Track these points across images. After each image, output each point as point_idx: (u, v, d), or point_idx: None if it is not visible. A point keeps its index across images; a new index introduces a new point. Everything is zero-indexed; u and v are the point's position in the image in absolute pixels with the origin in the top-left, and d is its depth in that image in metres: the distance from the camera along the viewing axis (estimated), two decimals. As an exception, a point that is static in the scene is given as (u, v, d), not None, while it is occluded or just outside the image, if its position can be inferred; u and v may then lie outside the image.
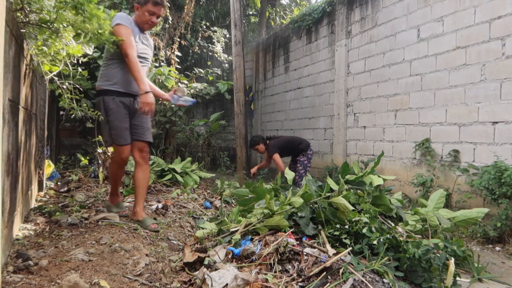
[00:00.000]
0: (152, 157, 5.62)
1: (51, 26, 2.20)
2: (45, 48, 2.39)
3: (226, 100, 9.05)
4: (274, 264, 2.11)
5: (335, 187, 2.94)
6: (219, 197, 4.55)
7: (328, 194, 2.71)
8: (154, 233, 2.81)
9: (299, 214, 2.59)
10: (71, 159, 6.20)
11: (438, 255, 2.17)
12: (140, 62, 2.81)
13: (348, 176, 3.19)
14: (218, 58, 8.97)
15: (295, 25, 8.02)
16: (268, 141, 5.53)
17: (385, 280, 1.97)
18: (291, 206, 2.68)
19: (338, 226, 2.47)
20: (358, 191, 3.00)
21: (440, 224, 2.80)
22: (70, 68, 2.76)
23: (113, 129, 2.82)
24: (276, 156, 5.29)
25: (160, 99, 3.34)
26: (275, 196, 3.12)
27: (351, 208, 2.53)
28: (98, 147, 4.96)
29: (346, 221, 2.51)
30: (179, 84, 6.69)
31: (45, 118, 3.99)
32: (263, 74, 9.66)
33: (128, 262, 2.16)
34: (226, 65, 9.39)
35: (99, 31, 2.36)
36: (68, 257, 2.10)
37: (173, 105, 6.52)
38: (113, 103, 2.81)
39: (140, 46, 2.91)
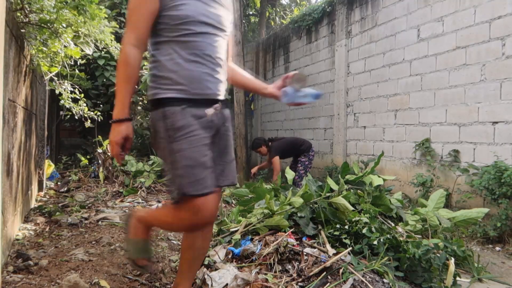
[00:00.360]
0: (152, 157, 5.62)
1: (51, 26, 2.20)
2: (44, 49, 2.39)
3: (226, 100, 9.05)
4: (274, 264, 2.11)
5: (335, 187, 2.94)
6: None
7: (328, 194, 2.71)
8: (154, 233, 2.81)
9: (299, 214, 2.59)
10: (71, 159, 6.21)
11: (438, 255, 2.18)
12: (206, 35, 1.56)
13: (348, 176, 3.19)
14: (218, 58, 8.99)
15: (295, 25, 8.02)
16: (270, 143, 5.52)
17: (385, 280, 1.97)
18: (291, 206, 2.69)
19: (338, 226, 2.47)
20: (358, 191, 3.00)
21: (440, 224, 2.80)
22: (68, 69, 2.76)
23: (183, 167, 1.47)
24: (276, 160, 5.28)
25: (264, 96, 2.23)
26: (275, 196, 3.12)
27: (351, 208, 2.53)
28: (98, 147, 4.96)
29: (346, 221, 2.51)
30: None
31: (45, 118, 3.99)
32: (263, 74, 9.66)
33: (128, 262, 2.16)
34: (226, 65, 9.40)
35: (99, 35, 2.37)
36: (68, 257, 2.10)
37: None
38: (183, 118, 1.49)
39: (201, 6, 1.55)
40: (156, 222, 1.73)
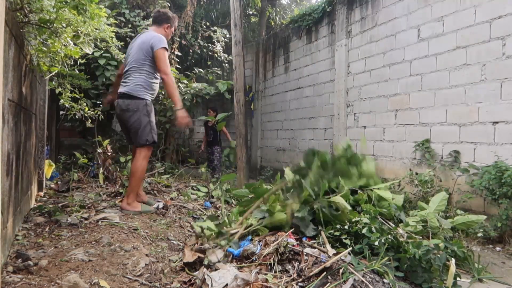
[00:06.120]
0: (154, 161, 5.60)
1: (50, 26, 2.20)
2: (44, 48, 2.39)
3: (226, 100, 9.05)
4: (274, 264, 2.11)
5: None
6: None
7: (328, 197, 2.71)
8: (154, 233, 2.80)
9: (298, 215, 2.58)
10: (71, 159, 6.20)
11: (439, 255, 2.17)
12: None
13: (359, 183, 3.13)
14: (218, 58, 8.97)
15: (295, 25, 8.02)
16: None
17: (385, 280, 1.97)
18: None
19: (338, 226, 2.47)
20: (359, 191, 2.99)
21: (440, 225, 2.80)
22: (67, 69, 2.76)
23: (153, 129, 3.25)
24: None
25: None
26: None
27: (349, 208, 2.52)
28: (98, 147, 4.96)
29: (346, 221, 2.51)
30: (179, 84, 6.67)
31: (45, 118, 3.99)
32: (263, 74, 9.66)
33: (128, 262, 2.16)
34: (226, 65, 9.39)
35: (100, 34, 2.37)
36: (68, 257, 2.10)
37: (172, 105, 6.52)
38: (151, 107, 3.29)
39: None
40: (136, 177, 3.22)
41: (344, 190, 2.83)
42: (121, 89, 3.21)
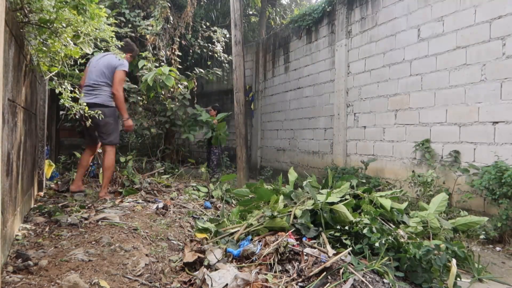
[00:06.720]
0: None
1: (50, 26, 2.20)
2: (44, 48, 2.39)
3: (226, 100, 9.04)
4: (274, 264, 2.11)
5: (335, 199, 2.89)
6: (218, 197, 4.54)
7: (330, 201, 2.70)
8: (154, 233, 2.80)
9: (300, 221, 2.58)
10: (70, 159, 6.19)
11: (439, 256, 2.17)
12: None
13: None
14: (218, 58, 8.96)
15: (295, 25, 8.01)
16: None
17: (385, 280, 1.97)
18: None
19: (338, 227, 2.47)
20: (359, 193, 2.99)
21: (441, 226, 2.80)
22: (67, 69, 2.75)
23: (116, 131, 3.90)
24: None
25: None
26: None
27: (351, 218, 2.51)
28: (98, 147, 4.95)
29: (347, 222, 2.50)
30: (179, 85, 6.67)
31: (45, 118, 3.99)
32: (263, 74, 9.66)
33: (128, 262, 2.15)
34: (226, 65, 9.38)
35: (100, 33, 2.36)
36: (68, 257, 2.10)
37: (172, 105, 6.52)
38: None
39: None
40: (111, 170, 3.90)
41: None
42: (94, 100, 3.72)
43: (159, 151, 6.79)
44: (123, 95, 3.91)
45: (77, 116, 3.49)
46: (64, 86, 2.78)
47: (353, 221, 2.47)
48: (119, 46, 3.59)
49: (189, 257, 2.38)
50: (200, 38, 8.84)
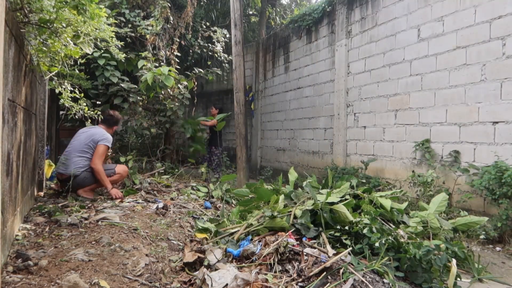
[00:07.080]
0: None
1: (50, 26, 2.20)
2: (44, 48, 2.39)
3: (226, 100, 9.03)
4: (274, 264, 2.11)
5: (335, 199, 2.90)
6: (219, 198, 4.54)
7: (330, 201, 2.70)
8: (154, 233, 2.80)
9: (300, 221, 2.58)
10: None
11: (439, 256, 2.17)
12: None
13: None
14: (218, 58, 8.96)
15: (295, 25, 8.02)
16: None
17: (385, 280, 1.97)
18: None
19: (338, 227, 2.47)
20: (359, 193, 2.99)
21: (441, 226, 2.80)
22: (67, 69, 2.75)
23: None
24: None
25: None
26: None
27: (351, 218, 2.52)
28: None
29: (347, 222, 2.50)
30: (179, 85, 6.67)
31: (45, 118, 3.99)
32: (263, 74, 9.66)
33: (128, 262, 2.15)
34: (226, 65, 9.38)
35: (100, 33, 2.36)
36: (68, 257, 2.10)
37: (172, 105, 6.52)
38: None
39: None
40: (98, 175, 3.79)
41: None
42: (66, 171, 3.70)
43: (159, 151, 6.79)
44: (102, 168, 3.80)
45: (77, 116, 3.50)
46: (64, 86, 2.78)
47: (353, 221, 2.47)
48: (105, 117, 3.73)
49: (189, 257, 2.38)
50: (200, 38, 8.83)
